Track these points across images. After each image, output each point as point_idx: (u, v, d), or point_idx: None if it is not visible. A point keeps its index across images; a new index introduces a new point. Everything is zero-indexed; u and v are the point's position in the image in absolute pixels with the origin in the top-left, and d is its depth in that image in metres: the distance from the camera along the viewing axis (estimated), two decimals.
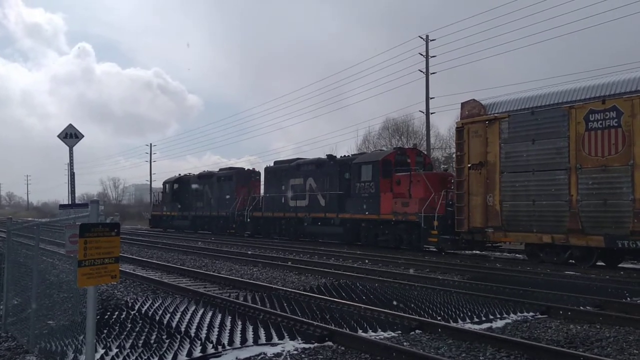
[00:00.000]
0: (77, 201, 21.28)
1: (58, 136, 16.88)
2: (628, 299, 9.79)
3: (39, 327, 7.18)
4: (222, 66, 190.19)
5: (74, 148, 17.07)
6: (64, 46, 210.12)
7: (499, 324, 7.73)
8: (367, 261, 16.69)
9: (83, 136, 17.15)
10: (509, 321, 7.89)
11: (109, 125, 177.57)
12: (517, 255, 19.03)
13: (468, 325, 7.53)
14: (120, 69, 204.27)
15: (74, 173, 18.56)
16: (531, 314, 8.33)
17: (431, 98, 35.15)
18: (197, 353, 5.98)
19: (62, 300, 9.56)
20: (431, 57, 35.26)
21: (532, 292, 10.11)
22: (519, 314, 8.32)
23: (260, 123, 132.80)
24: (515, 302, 9.02)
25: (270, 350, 6.20)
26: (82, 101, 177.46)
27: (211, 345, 6.25)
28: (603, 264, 15.06)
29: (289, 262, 15.99)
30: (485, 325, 7.60)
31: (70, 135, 16.95)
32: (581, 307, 8.68)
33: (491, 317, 8.07)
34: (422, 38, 35.43)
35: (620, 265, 15.35)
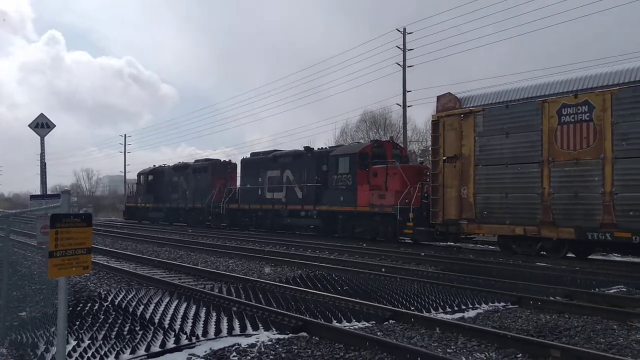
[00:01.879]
0: (49, 192, 20.99)
1: (29, 126, 16.61)
2: (596, 289, 10.01)
3: (10, 319, 7.08)
4: (196, 56, 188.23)
5: (46, 138, 16.81)
6: (31, 34, 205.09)
7: (471, 313, 7.85)
8: (343, 253, 16.77)
9: (55, 126, 16.89)
10: (481, 311, 8.01)
11: (81, 115, 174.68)
12: (490, 246, 19.31)
13: (441, 315, 7.63)
14: (91, 58, 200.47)
15: (45, 163, 18.30)
16: (502, 304, 8.48)
17: (408, 91, 35.38)
18: (170, 344, 5.96)
19: (33, 292, 9.47)
20: (408, 50, 35.43)
21: (504, 282, 10.28)
22: (490, 304, 8.46)
23: (236, 115, 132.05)
24: (487, 292, 9.17)
25: (244, 341, 6.21)
26: (53, 90, 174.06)
27: (185, 336, 6.24)
28: (573, 255, 15.36)
29: (265, 254, 16.00)
30: (458, 315, 7.71)
31: (42, 125, 16.68)
32: (551, 298, 8.86)
33: (463, 307, 8.19)
34: (399, 31, 35.58)
35: (589, 256, 15.67)
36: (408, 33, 35.37)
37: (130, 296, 8.81)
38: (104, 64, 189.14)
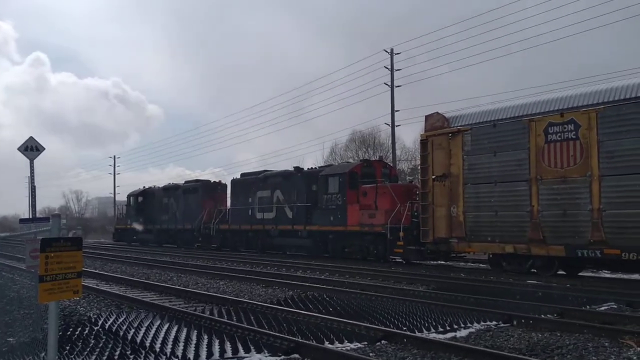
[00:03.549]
0: (38, 215, 20.83)
1: (19, 149, 16.56)
2: (587, 307, 10.05)
3: None
4: (183, 77, 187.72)
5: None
6: (15, 55, 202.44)
7: (463, 333, 7.85)
8: (334, 273, 16.73)
9: (44, 149, 16.87)
10: (473, 330, 8.02)
11: (67, 136, 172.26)
12: (480, 265, 19.34)
13: (433, 335, 7.63)
14: (77, 79, 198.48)
15: (35, 186, 18.22)
16: (494, 322, 8.49)
17: (396, 111, 35.67)
18: None
19: (22, 316, 9.36)
20: (396, 70, 35.79)
21: (495, 301, 10.30)
22: (482, 323, 8.46)
23: (224, 135, 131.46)
24: (479, 311, 9.17)
25: None
26: (38, 112, 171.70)
27: None
28: (564, 273, 15.42)
29: (256, 275, 15.93)
30: (450, 335, 7.71)
31: (31, 148, 16.64)
32: (542, 316, 8.88)
33: (455, 326, 8.19)
34: (386, 51, 35.96)
35: (580, 274, 15.74)
36: (396, 54, 35.78)
37: (120, 320, 8.74)
38: (90, 85, 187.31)
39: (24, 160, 16.92)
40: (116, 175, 70.47)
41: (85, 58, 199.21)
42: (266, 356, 6.50)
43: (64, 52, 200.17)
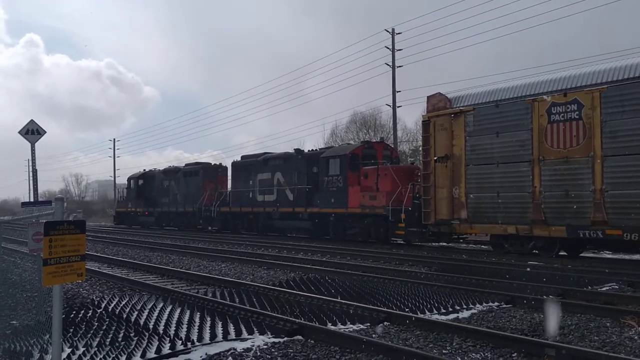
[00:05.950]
0: (39, 198, 20.81)
1: (19, 132, 16.46)
2: (589, 287, 10.07)
3: (2, 328, 7.02)
4: (179, 59, 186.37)
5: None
6: (5, 37, 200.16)
7: (465, 314, 7.87)
8: (335, 255, 16.76)
9: (45, 132, 16.73)
10: (475, 311, 8.03)
11: (63, 119, 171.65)
12: (482, 246, 19.37)
13: (435, 316, 7.64)
14: (71, 61, 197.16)
15: (36, 170, 18.14)
16: (496, 303, 8.50)
17: (398, 91, 35.48)
18: (166, 350, 5.93)
19: (25, 299, 9.39)
20: (397, 50, 35.52)
21: (497, 282, 10.32)
22: (484, 304, 8.48)
23: (223, 118, 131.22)
24: (481, 292, 9.19)
25: (240, 346, 6.19)
26: (33, 94, 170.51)
27: (180, 341, 6.20)
28: (565, 253, 15.44)
29: (258, 257, 15.96)
30: (452, 316, 7.73)
31: (32, 132, 16.53)
32: (544, 296, 8.89)
33: (458, 307, 8.21)
34: (388, 31, 35.66)
35: (581, 254, 15.76)
36: (397, 33, 35.48)
37: (123, 302, 8.76)
38: (85, 67, 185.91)
39: (22, 144, 16.88)
40: (116, 159, 70.41)
41: (78, 40, 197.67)
42: (269, 337, 6.51)
43: (57, 34, 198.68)
